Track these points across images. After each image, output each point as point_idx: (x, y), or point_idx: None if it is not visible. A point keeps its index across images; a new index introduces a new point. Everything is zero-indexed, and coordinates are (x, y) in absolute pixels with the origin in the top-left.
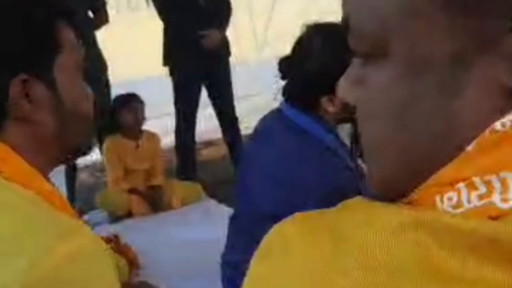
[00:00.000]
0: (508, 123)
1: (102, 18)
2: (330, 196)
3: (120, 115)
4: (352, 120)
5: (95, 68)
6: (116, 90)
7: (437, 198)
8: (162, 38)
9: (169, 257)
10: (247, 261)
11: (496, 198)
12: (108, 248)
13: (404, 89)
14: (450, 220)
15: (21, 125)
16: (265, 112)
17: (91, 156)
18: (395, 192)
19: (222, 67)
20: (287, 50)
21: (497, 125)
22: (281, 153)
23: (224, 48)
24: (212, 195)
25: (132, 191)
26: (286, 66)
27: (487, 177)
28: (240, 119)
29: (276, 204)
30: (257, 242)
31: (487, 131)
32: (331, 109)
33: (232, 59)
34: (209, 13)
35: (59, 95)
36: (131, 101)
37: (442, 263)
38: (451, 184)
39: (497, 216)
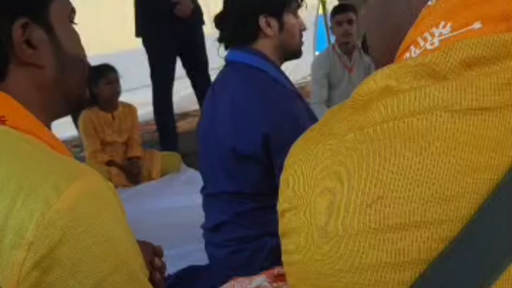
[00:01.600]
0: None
1: None
2: (282, 121)
3: (96, 86)
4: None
5: None
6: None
7: (406, 55)
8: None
9: (152, 225)
10: (223, 223)
11: (427, 44)
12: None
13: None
14: (407, 62)
15: (23, 70)
16: None
17: (66, 131)
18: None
19: (196, 37)
20: None
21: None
22: (235, 94)
23: (197, 17)
24: (190, 164)
25: (110, 163)
26: (221, 18)
27: (424, 35)
28: None
29: (237, 139)
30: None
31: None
32: (269, 31)
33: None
34: None
35: (57, 39)
36: (107, 72)
37: (395, 85)
38: (409, 46)
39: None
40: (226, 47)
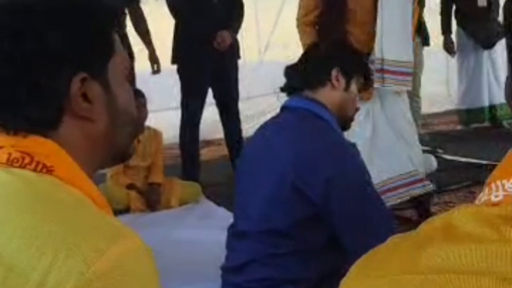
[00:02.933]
0: None
1: None
2: (345, 166)
3: None
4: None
5: None
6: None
7: (480, 195)
8: (163, 29)
9: (166, 257)
10: (250, 262)
11: (494, 194)
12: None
13: None
14: (475, 208)
15: (75, 122)
16: (268, 113)
17: None
18: None
19: (230, 69)
20: (288, 54)
21: None
22: (296, 136)
23: (233, 50)
24: (208, 196)
25: (130, 186)
26: (293, 68)
27: (497, 182)
28: (242, 120)
29: (298, 176)
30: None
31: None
32: (337, 84)
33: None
34: (222, 13)
35: (112, 95)
36: (136, 97)
37: (466, 229)
38: (488, 184)
39: (494, 205)
40: (289, 94)
